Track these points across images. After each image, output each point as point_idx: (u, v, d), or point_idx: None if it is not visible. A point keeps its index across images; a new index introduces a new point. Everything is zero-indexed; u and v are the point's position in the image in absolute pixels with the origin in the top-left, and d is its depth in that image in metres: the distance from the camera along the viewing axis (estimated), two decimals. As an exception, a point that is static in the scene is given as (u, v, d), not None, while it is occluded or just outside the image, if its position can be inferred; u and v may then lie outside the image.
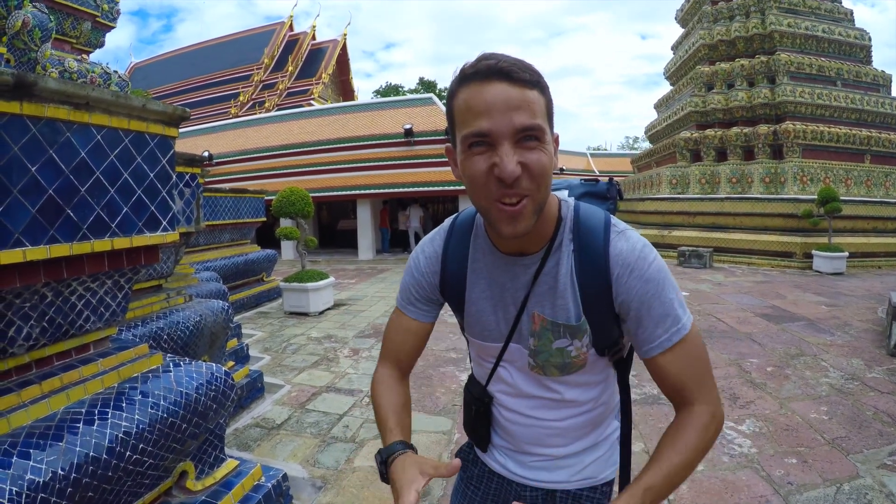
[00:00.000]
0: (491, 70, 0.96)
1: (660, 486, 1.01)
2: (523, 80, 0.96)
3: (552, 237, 1.18)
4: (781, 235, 14.45)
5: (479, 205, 1.06)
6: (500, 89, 0.95)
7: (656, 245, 16.76)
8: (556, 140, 1.08)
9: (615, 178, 1.53)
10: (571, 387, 1.26)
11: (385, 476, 1.13)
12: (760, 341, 6.69)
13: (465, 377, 4.12)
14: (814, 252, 13.35)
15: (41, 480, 1.62)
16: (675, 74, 21.93)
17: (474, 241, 1.28)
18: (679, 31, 22.54)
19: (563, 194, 1.33)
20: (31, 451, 1.67)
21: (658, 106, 23.63)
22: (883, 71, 17.47)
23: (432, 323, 1.39)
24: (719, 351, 6.32)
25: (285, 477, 3.06)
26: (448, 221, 1.37)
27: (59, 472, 1.68)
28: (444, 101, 1.13)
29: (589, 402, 1.29)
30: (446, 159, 1.18)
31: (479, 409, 1.40)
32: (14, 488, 1.54)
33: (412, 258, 1.38)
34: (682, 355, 1.10)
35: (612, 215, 1.23)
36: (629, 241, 1.14)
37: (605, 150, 55.01)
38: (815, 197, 13.62)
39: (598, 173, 36.57)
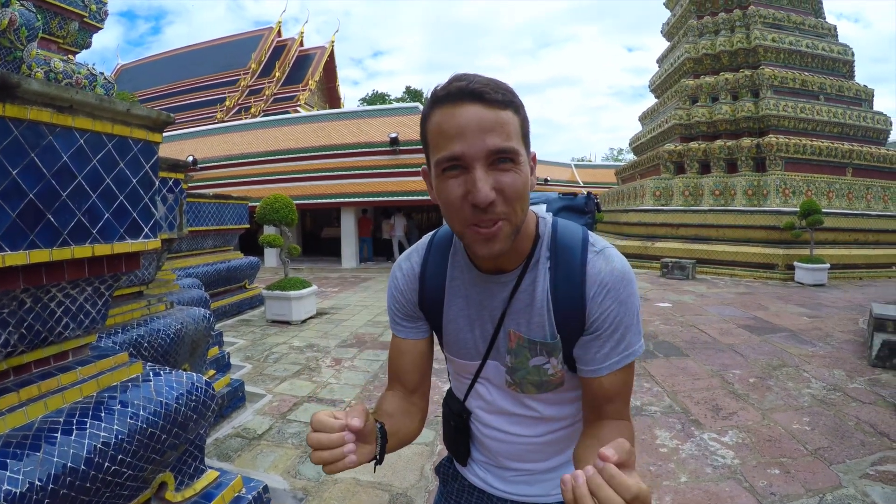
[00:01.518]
0: (463, 92, 0.95)
1: None
2: (496, 101, 0.95)
3: (529, 255, 1.16)
4: (764, 247, 14.57)
5: (455, 229, 1.05)
6: (472, 111, 0.94)
7: (639, 256, 16.94)
8: (532, 159, 1.06)
9: (593, 192, 1.50)
10: (549, 404, 1.26)
11: None
12: (743, 352, 6.72)
13: (447, 387, 4.11)
14: (796, 264, 13.47)
15: (18, 491, 1.58)
16: (660, 87, 22.12)
17: (452, 259, 1.27)
18: (665, 44, 22.77)
19: (541, 209, 1.32)
20: (8, 460, 1.64)
21: (643, 118, 23.82)
22: (865, 86, 17.76)
23: (427, 338, 1.35)
24: (702, 362, 6.34)
25: (266, 489, 3.03)
26: (426, 238, 1.36)
27: (37, 482, 1.64)
28: None
29: (567, 419, 1.29)
30: (431, 169, 1.17)
31: (457, 425, 1.39)
32: (-11, 499, 1.51)
33: (391, 277, 1.36)
34: (624, 376, 1.13)
35: (590, 231, 1.22)
36: (609, 261, 1.12)
37: (590, 161, 55.24)
38: (798, 209, 13.75)
39: (581, 184, 36.78)
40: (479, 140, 0.93)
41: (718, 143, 17.20)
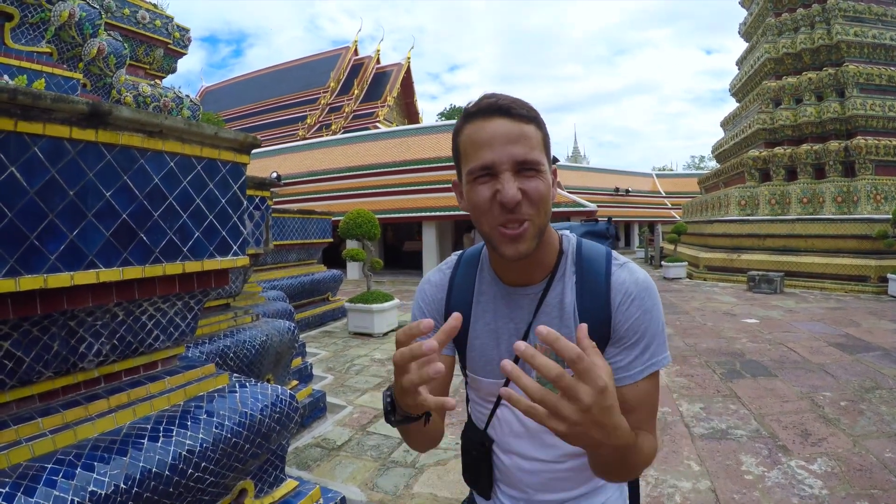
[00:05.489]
0: (492, 107, 1.07)
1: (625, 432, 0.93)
2: (520, 116, 1.06)
3: (554, 269, 1.23)
4: (855, 258, 13.93)
5: (483, 231, 1.12)
6: (500, 124, 1.05)
7: (724, 269, 16.49)
8: (553, 172, 1.15)
9: (612, 218, 1.64)
10: None
11: (390, 412, 1.07)
12: (834, 373, 6.41)
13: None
14: (889, 276, 12.82)
15: (103, 493, 1.66)
16: (740, 91, 21.51)
17: (480, 275, 1.32)
18: (743, 45, 22.10)
19: (566, 233, 1.35)
20: (96, 463, 1.72)
21: (724, 124, 23.16)
22: (958, 80, 16.65)
23: (450, 357, 1.34)
24: (791, 383, 6.08)
25: (344, 500, 3.07)
26: (456, 254, 1.43)
27: (122, 485, 1.72)
28: None
29: None
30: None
31: (479, 454, 1.37)
32: (76, 499, 1.58)
33: (419, 290, 1.41)
34: (648, 387, 1.16)
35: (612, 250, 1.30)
36: (632, 272, 1.20)
37: (671, 170, 54.07)
38: (890, 216, 13.09)
39: (664, 194, 36.02)
40: (506, 150, 1.04)
41: (805, 147, 16.58)
